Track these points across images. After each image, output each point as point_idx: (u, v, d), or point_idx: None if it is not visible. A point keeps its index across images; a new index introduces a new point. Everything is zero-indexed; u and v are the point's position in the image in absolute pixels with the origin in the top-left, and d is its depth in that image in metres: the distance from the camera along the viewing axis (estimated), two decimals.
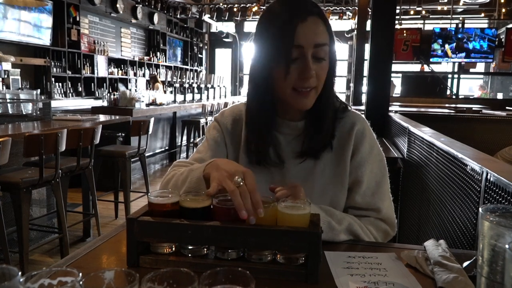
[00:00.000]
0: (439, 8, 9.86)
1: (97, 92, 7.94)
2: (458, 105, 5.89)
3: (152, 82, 8.63)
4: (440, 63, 8.51)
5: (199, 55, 12.85)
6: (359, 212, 1.11)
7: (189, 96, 8.14)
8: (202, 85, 9.01)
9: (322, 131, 1.10)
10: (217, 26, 11.79)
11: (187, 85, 8.08)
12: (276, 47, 1.01)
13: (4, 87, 5.51)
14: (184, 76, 8.24)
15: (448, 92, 8.28)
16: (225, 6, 9.66)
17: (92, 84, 7.91)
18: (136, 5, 8.93)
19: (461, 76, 9.16)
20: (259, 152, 1.12)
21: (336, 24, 9.91)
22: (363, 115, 1.20)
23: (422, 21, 10.08)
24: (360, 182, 1.11)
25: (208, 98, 9.14)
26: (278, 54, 1.01)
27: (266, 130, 1.12)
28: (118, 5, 8.20)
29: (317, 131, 1.10)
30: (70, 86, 7.31)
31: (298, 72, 1.01)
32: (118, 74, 8.83)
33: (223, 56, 13.57)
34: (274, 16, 1.04)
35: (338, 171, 1.12)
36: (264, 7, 9.08)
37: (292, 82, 1.02)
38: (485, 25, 10.38)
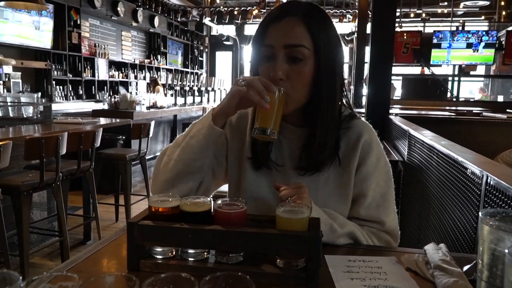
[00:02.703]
0: (439, 11, 9.87)
1: (97, 95, 7.94)
2: (459, 108, 5.88)
3: (152, 85, 8.64)
4: (440, 65, 8.51)
5: (200, 58, 12.87)
6: (362, 223, 1.09)
7: (189, 99, 8.16)
8: (203, 88, 9.03)
9: (323, 148, 1.05)
10: (217, 29, 11.81)
11: (187, 88, 8.09)
12: (255, 46, 1.06)
13: (5, 90, 5.51)
14: (185, 79, 8.25)
15: (449, 94, 8.27)
16: (226, 9, 9.67)
17: (93, 87, 7.91)
18: (137, 8, 8.94)
19: (462, 78, 9.15)
20: (263, 153, 1.11)
21: (336, 27, 9.87)
22: (370, 125, 1.15)
23: (422, 24, 10.09)
24: (365, 196, 1.08)
25: (208, 101, 9.15)
26: (256, 52, 1.06)
27: None
28: (118, 8, 8.21)
29: (317, 146, 1.05)
30: (70, 89, 7.31)
31: (268, 72, 1.01)
32: (118, 77, 8.84)
33: (223, 59, 13.58)
34: (264, 18, 1.06)
35: (343, 183, 1.09)
36: (265, 10, 9.10)
37: None
38: (486, 28, 10.38)
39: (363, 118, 1.17)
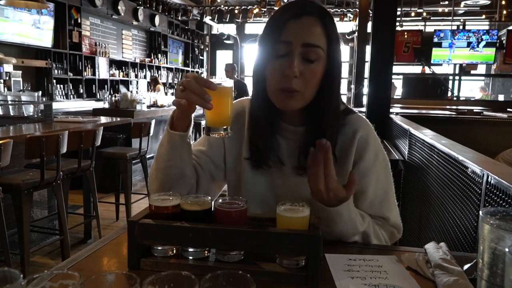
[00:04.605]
0: (440, 10, 9.86)
1: (98, 94, 7.94)
2: (459, 107, 5.88)
3: (153, 84, 8.64)
4: (441, 64, 8.51)
5: (200, 57, 12.86)
6: None
7: None
8: None
9: None
10: (218, 28, 11.80)
11: None
12: (267, 42, 1.02)
13: (6, 89, 5.51)
14: None
15: (449, 94, 8.27)
16: (226, 8, 9.66)
17: (93, 86, 7.92)
18: (137, 7, 8.93)
19: (462, 78, 9.15)
20: (261, 154, 1.10)
21: (337, 26, 9.88)
22: (367, 119, 1.14)
23: (423, 23, 10.07)
24: (365, 192, 1.07)
25: None
26: (267, 48, 1.02)
27: (268, 131, 1.10)
28: (119, 7, 8.21)
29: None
30: (71, 88, 7.31)
31: (282, 69, 0.99)
32: (119, 76, 8.84)
33: (224, 57, 13.57)
34: (275, 14, 1.04)
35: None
36: (265, 9, 9.03)
37: (276, 80, 1.01)
38: (486, 27, 10.37)
39: (365, 119, 1.15)
